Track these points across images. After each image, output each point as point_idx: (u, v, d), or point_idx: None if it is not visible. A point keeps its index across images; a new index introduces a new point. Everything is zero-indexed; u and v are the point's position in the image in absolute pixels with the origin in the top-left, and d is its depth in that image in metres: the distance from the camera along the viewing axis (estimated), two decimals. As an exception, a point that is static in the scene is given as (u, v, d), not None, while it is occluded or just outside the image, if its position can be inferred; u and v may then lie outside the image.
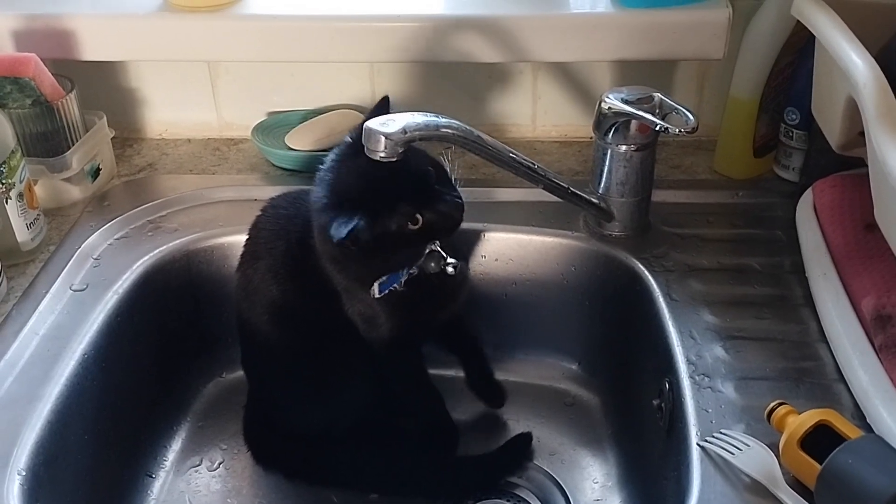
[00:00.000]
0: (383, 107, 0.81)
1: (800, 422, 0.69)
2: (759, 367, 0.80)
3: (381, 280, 0.82)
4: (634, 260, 0.95)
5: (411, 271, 0.83)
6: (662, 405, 0.84)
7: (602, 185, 0.96)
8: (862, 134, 0.76)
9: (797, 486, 0.68)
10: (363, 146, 0.76)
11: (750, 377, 0.79)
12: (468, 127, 0.81)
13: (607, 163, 0.95)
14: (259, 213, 0.91)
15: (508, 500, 0.93)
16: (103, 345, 0.88)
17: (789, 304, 0.88)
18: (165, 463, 0.97)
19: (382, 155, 0.75)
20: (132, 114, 1.20)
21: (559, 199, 0.95)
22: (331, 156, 0.82)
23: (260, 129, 1.15)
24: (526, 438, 0.97)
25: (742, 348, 0.83)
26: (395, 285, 0.83)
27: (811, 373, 0.79)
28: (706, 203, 1.04)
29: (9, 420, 0.78)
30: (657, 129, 0.89)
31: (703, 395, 0.78)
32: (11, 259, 0.95)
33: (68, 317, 0.90)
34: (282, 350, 0.91)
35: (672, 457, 0.79)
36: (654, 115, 0.89)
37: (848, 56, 0.75)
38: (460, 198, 0.80)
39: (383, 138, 0.75)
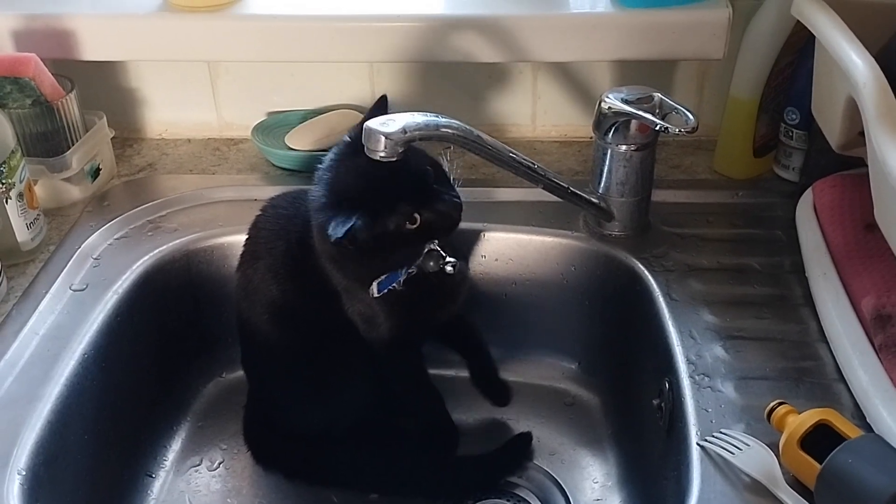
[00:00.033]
0: (381, 106, 0.81)
1: (800, 421, 0.69)
2: (759, 367, 0.80)
3: (379, 279, 0.82)
4: (634, 260, 0.95)
5: (410, 271, 0.83)
6: (662, 405, 0.84)
7: (602, 184, 0.96)
8: (862, 134, 0.76)
9: (797, 485, 0.68)
10: (362, 145, 0.76)
11: (750, 377, 0.79)
12: (468, 127, 0.81)
13: (607, 163, 0.95)
14: (259, 212, 0.91)
15: (508, 500, 0.93)
16: (103, 345, 0.88)
17: (789, 304, 0.88)
18: (165, 463, 0.97)
19: (382, 155, 0.75)
20: (132, 114, 1.20)
21: (559, 199, 0.95)
22: (330, 155, 0.82)
23: (260, 129, 1.15)
24: (526, 438, 0.97)
25: (742, 348, 0.83)
26: (394, 285, 0.83)
27: (811, 372, 0.79)
28: (706, 203, 1.04)
29: (9, 420, 0.78)
30: (657, 128, 0.89)
31: (703, 394, 0.78)
32: (11, 259, 0.95)
33: (68, 317, 0.90)
34: (282, 350, 0.91)
35: (672, 456, 0.79)
36: (653, 114, 0.89)
37: (848, 56, 0.75)
38: (458, 197, 0.80)
39: (383, 138, 0.75)
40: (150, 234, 1.02)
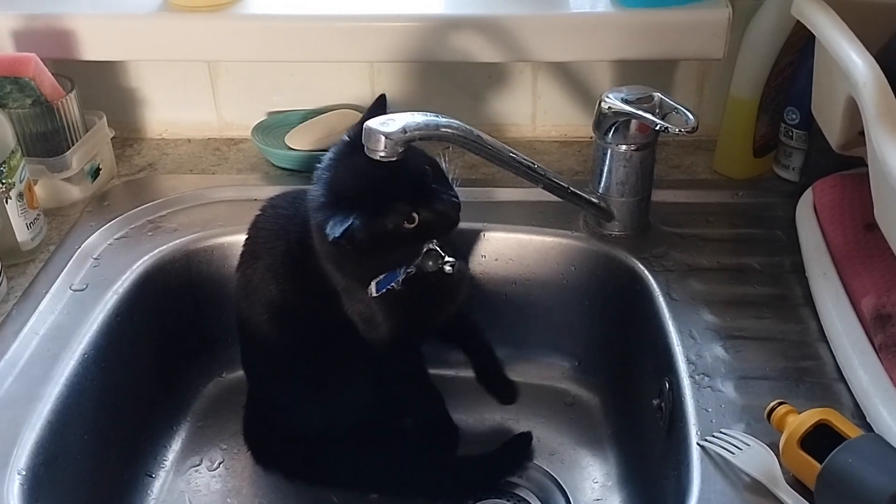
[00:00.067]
0: (380, 106, 0.81)
1: (800, 421, 0.69)
2: (759, 367, 0.80)
3: (378, 279, 0.82)
4: (634, 260, 0.95)
5: (409, 270, 0.83)
6: (662, 405, 0.84)
7: (602, 184, 0.96)
8: (862, 133, 0.76)
9: (797, 485, 0.68)
10: (361, 145, 0.76)
11: (750, 377, 0.79)
12: (468, 126, 0.81)
13: (607, 162, 0.95)
14: (258, 212, 0.91)
15: (508, 500, 0.93)
16: (103, 344, 0.88)
17: (789, 304, 0.88)
18: (165, 463, 0.97)
19: (382, 154, 0.75)
20: (132, 114, 1.20)
21: (559, 199, 0.95)
22: (328, 155, 0.82)
23: (260, 128, 1.15)
24: (526, 438, 0.97)
25: (742, 348, 0.83)
26: (393, 284, 0.83)
27: (811, 372, 0.79)
28: (706, 203, 1.04)
29: (9, 420, 0.78)
30: (657, 128, 0.89)
31: (703, 394, 0.78)
32: (11, 259, 0.95)
33: (68, 317, 0.90)
34: (281, 350, 0.91)
35: (672, 456, 0.79)
36: (654, 114, 0.89)
37: (848, 56, 0.75)
38: (457, 197, 0.80)
39: (383, 138, 0.75)
40: (150, 234, 1.02)
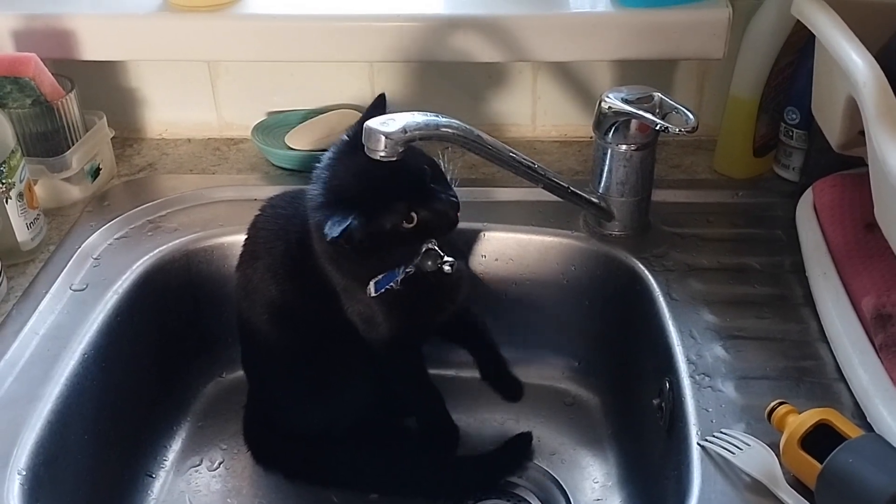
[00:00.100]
0: (380, 105, 0.81)
1: (800, 421, 0.69)
2: (759, 367, 0.80)
3: (377, 279, 0.82)
4: (634, 259, 0.95)
5: (408, 270, 0.83)
6: (663, 405, 0.84)
7: (602, 184, 0.96)
8: (862, 133, 0.76)
9: (798, 485, 0.68)
10: (360, 144, 0.76)
11: (750, 377, 0.79)
12: (468, 126, 0.81)
13: (607, 162, 0.95)
14: (258, 212, 0.91)
15: (509, 500, 0.93)
16: (103, 344, 0.88)
17: (789, 304, 0.88)
18: (165, 463, 0.97)
19: (383, 154, 0.75)
20: (132, 114, 1.20)
21: (559, 199, 0.95)
22: (328, 154, 0.82)
23: (260, 128, 1.15)
24: (526, 438, 0.97)
25: (742, 348, 0.83)
26: (392, 284, 0.83)
27: (811, 372, 0.79)
28: (706, 203, 1.04)
29: (9, 420, 0.78)
30: (657, 128, 0.89)
31: (704, 394, 0.78)
32: (11, 259, 0.95)
33: (68, 316, 0.90)
34: (282, 350, 0.91)
35: (672, 456, 0.79)
36: (654, 114, 0.89)
37: (848, 55, 0.75)
38: (456, 196, 0.80)
39: (383, 138, 0.75)
40: (150, 233, 1.02)
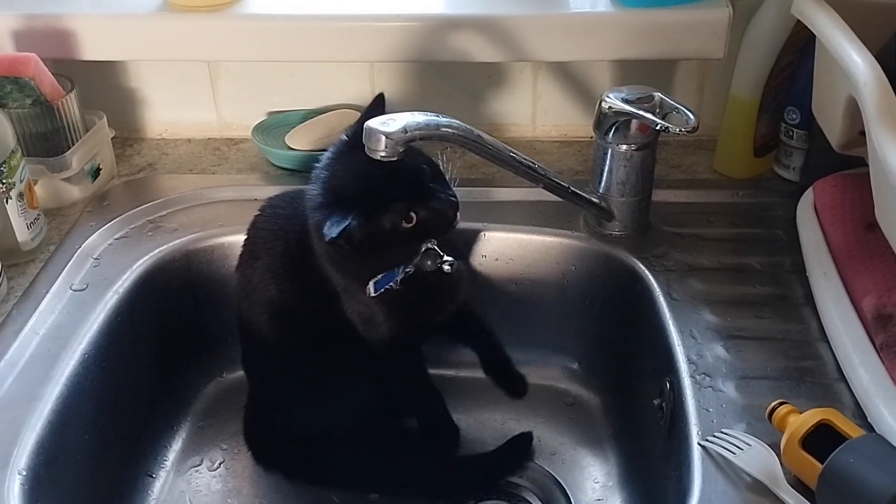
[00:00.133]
0: (379, 105, 0.81)
1: (801, 421, 0.69)
2: (759, 367, 0.80)
3: (376, 279, 0.82)
4: (635, 259, 0.95)
5: (407, 270, 0.83)
6: (663, 405, 0.84)
7: (602, 184, 0.96)
8: (862, 133, 0.76)
9: (798, 485, 0.68)
10: (359, 144, 0.76)
11: (751, 376, 0.79)
12: (468, 126, 0.81)
13: (608, 162, 0.94)
14: (257, 213, 0.91)
15: (509, 500, 0.93)
16: (103, 344, 0.88)
17: (790, 304, 0.88)
18: (166, 463, 0.97)
19: (383, 154, 0.75)
20: (132, 114, 1.20)
21: (559, 199, 0.95)
22: (327, 154, 0.82)
23: (260, 128, 1.15)
24: (526, 438, 0.96)
25: (743, 348, 0.83)
26: (392, 284, 0.83)
27: (812, 372, 0.79)
28: (706, 202, 1.04)
29: (9, 420, 0.78)
30: (657, 128, 0.89)
31: (704, 394, 0.78)
32: (12, 259, 0.95)
33: (68, 316, 0.90)
34: (282, 350, 0.91)
35: (673, 456, 0.79)
36: (654, 114, 0.89)
37: (848, 55, 0.75)
38: (455, 196, 0.80)
39: (384, 137, 0.75)
40: (150, 233, 1.02)
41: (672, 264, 0.94)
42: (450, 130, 0.80)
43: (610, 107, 0.90)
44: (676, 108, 0.89)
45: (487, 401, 1.01)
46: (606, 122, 0.92)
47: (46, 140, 1.02)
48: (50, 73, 1.01)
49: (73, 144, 1.03)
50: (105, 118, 1.09)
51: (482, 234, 1.01)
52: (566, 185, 0.93)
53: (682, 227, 0.99)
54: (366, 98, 1.15)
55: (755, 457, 0.70)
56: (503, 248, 1.02)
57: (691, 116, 0.87)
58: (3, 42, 1.06)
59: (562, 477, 0.94)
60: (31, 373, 0.83)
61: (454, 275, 0.85)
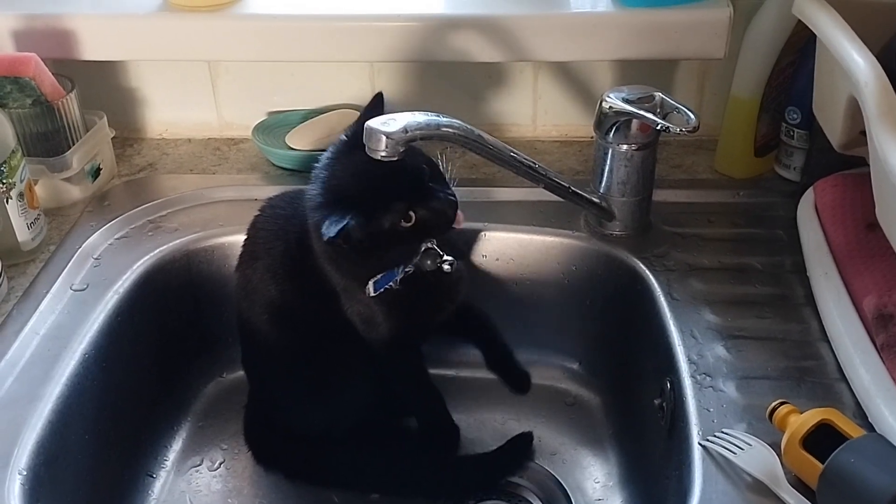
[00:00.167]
0: (377, 104, 0.81)
1: (801, 421, 0.69)
2: (760, 367, 0.80)
3: (375, 278, 0.82)
4: (635, 259, 0.95)
5: (407, 269, 0.83)
6: (664, 405, 0.84)
7: (603, 184, 0.96)
8: (863, 133, 0.76)
9: (799, 485, 0.68)
10: (358, 144, 0.76)
11: (751, 376, 0.79)
12: (469, 126, 0.81)
13: (608, 162, 0.94)
14: (257, 213, 0.91)
15: (509, 500, 0.93)
16: (104, 344, 0.88)
17: (791, 304, 0.88)
18: (166, 463, 0.97)
19: (384, 154, 0.75)
20: (132, 114, 1.20)
21: (560, 199, 0.94)
22: (326, 154, 0.82)
23: (260, 128, 1.15)
24: (527, 438, 0.96)
25: (743, 347, 0.83)
26: (391, 284, 0.83)
27: (813, 372, 0.79)
28: (707, 202, 1.04)
29: (9, 420, 0.78)
30: (658, 128, 0.89)
31: (705, 394, 0.78)
32: (12, 259, 0.95)
33: (69, 316, 0.90)
34: (282, 350, 0.91)
35: (674, 456, 0.79)
36: (655, 114, 0.89)
37: (849, 55, 0.75)
38: (454, 195, 0.80)
39: (384, 137, 0.75)
40: (150, 233, 1.02)
41: (673, 264, 0.94)
42: (450, 130, 0.80)
43: (610, 107, 0.90)
44: (677, 107, 0.89)
45: (487, 401, 1.02)
46: (607, 122, 0.92)
47: (47, 140, 1.02)
48: (50, 73, 1.01)
49: (74, 144, 1.03)
50: (105, 118, 1.09)
51: (483, 233, 1.01)
52: (567, 185, 0.93)
53: (683, 227, 0.99)
54: (366, 98, 1.14)
55: (756, 457, 0.70)
56: (504, 247, 1.02)
57: (692, 116, 0.87)
58: (3, 42, 1.06)
59: (562, 477, 0.94)
60: (32, 373, 0.83)
61: (454, 274, 0.85)
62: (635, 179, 0.95)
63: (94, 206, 1.06)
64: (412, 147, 0.78)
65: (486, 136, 0.83)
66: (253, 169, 1.13)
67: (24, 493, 0.73)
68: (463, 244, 0.99)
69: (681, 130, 0.87)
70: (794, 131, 1.03)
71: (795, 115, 1.03)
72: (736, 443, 0.71)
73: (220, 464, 0.98)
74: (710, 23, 1.00)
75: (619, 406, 1.00)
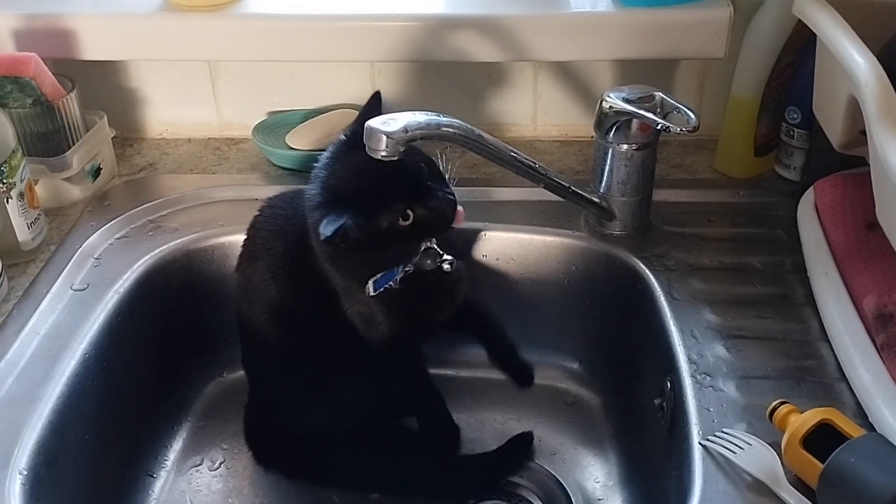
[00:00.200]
0: (376, 104, 0.81)
1: (802, 421, 0.69)
2: (760, 366, 0.80)
3: (375, 278, 0.82)
4: (635, 259, 0.95)
5: (407, 269, 0.83)
6: (664, 404, 0.84)
7: (603, 184, 0.96)
8: (863, 133, 0.76)
9: (799, 485, 0.68)
10: (357, 143, 0.76)
11: (751, 376, 0.79)
12: (469, 126, 0.81)
13: (608, 162, 0.94)
14: (256, 213, 0.91)
15: (509, 500, 0.93)
16: (104, 344, 0.88)
17: (791, 303, 0.88)
18: (166, 463, 0.97)
19: (384, 154, 0.75)
20: (132, 113, 1.20)
21: (560, 199, 0.94)
22: (325, 154, 0.82)
23: (260, 128, 1.15)
24: (527, 438, 0.96)
25: (743, 347, 0.83)
26: (391, 283, 0.83)
27: (813, 372, 0.79)
28: (707, 202, 1.04)
29: (10, 420, 0.78)
30: (658, 128, 0.89)
31: (705, 394, 0.78)
32: (12, 259, 0.95)
33: (69, 316, 0.90)
34: (282, 350, 0.91)
35: (674, 456, 0.79)
36: (655, 114, 0.89)
37: (849, 55, 0.75)
38: (453, 194, 0.80)
39: (385, 137, 0.75)
40: (150, 233, 1.02)
41: (673, 264, 0.94)
42: (450, 130, 0.80)
43: (611, 106, 0.90)
44: (677, 107, 0.89)
45: (487, 401, 1.02)
46: (607, 122, 0.92)
47: (47, 140, 1.02)
48: (50, 73, 1.01)
49: (74, 144, 1.03)
50: (105, 118, 1.09)
51: (483, 233, 1.01)
52: (567, 185, 0.93)
53: (683, 227, 0.99)
54: (366, 98, 1.14)
55: (756, 456, 0.70)
56: (504, 247, 1.02)
57: (692, 116, 0.87)
58: (3, 42, 1.06)
59: (562, 477, 0.94)
60: (32, 373, 0.83)
61: (454, 274, 0.85)
62: (635, 179, 0.95)
63: (95, 205, 1.06)
64: (411, 146, 0.78)
65: (486, 135, 0.83)
66: (253, 169, 1.13)
67: (24, 493, 0.73)
68: (463, 244, 0.99)
69: (681, 130, 0.87)
70: (794, 131, 1.03)
71: (795, 115, 1.03)
72: (736, 442, 0.71)
73: (221, 463, 0.98)
74: (710, 22, 1.00)
75: (620, 406, 1.00)
